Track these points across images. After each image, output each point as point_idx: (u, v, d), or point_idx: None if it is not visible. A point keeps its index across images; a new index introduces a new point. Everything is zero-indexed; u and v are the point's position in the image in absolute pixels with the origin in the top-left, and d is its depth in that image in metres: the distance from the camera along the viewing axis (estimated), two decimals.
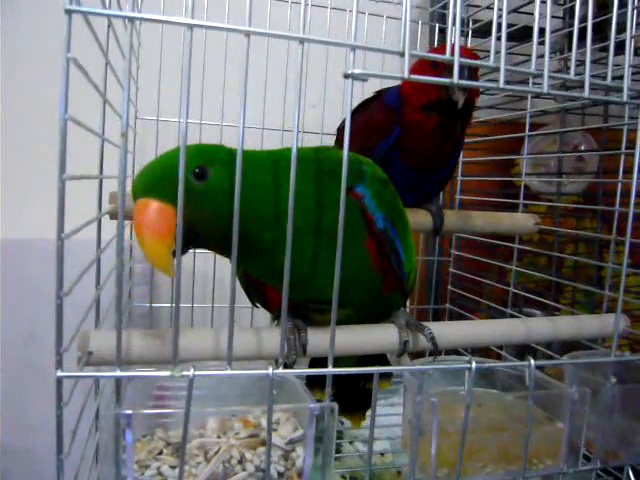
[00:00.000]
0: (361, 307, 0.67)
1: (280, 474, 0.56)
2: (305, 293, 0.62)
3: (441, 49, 0.79)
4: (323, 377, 0.56)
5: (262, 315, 0.83)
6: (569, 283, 1.20)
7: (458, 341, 0.69)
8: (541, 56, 0.55)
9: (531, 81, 0.79)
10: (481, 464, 0.68)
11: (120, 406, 0.55)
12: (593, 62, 0.61)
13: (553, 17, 1.26)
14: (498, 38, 0.54)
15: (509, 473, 0.68)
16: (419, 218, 0.98)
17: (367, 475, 0.60)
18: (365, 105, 0.97)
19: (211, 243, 0.58)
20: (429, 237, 1.44)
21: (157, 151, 1.14)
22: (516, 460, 0.68)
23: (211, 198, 0.54)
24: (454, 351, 1.03)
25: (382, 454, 1.13)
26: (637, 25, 0.69)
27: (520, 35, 1.07)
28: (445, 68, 0.64)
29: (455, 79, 0.50)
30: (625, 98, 0.58)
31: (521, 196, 1.17)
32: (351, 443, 1.16)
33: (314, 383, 0.77)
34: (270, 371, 0.50)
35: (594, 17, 0.58)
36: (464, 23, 1.26)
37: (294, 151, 0.48)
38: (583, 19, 0.61)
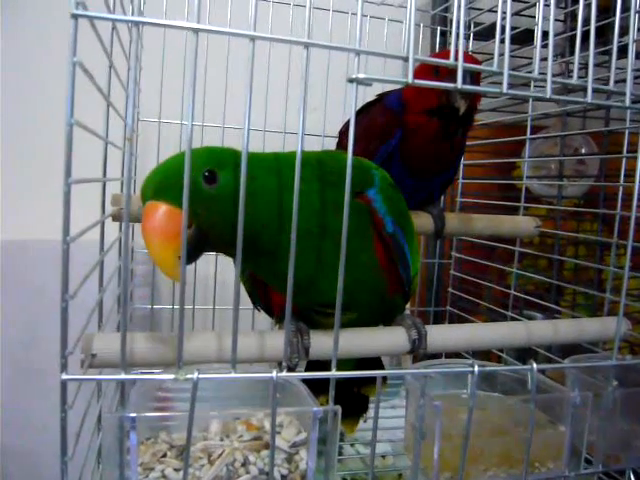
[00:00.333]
0: (366, 310, 0.67)
1: (284, 477, 0.56)
2: (310, 296, 0.63)
3: (443, 54, 0.79)
4: (319, 381, 0.55)
5: (263, 318, 0.83)
6: (570, 286, 1.20)
7: (460, 344, 0.69)
8: (543, 59, 0.55)
9: (532, 85, 0.79)
10: (483, 467, 0.68)
11: (124, 409, 0.55)
12: (595, 66, 0.61)
13: (559, 20, 1.26)
14: (501, 41, 0.54)
15: (511, 477, 0.68)
16: (421, 221, 0.98)
17: (370, 476, 0.60)
18: (366, 108, 0.97)
19: (220, 246, 0.58)
20: (430, 240, 1.44)
21: (159, 153, 1.15)
22: (518, 464, 0.68)
23: (221, 201, 0.54)
24: (454, 354, 1.03)
25: (383, 456, 1.13)
26: (639, 29, 0.69)
27: (521, 38, 1.07)
28: (449, 73, 0.64)
29: (459, 84, 0.50)
30: (627, 103, 0.58)
31: (522, 199, 1.17)
32: (352, 445, 1.16)
33: (310, 387, 0.77)
34: (274, 374, 0.50)
35: (596, 21, 0.58)
36: (466, 26, 1.27)
37: (298, 154, 0.48)
38: (585, 22, 0.61)
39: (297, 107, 0.48)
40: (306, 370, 0.80)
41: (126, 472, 0.51)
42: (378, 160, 0.90)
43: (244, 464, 0.55)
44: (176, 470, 0.55)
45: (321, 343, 0.62)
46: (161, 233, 0.52)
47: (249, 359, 0.60)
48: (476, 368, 0.57)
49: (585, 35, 0.58)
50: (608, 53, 1.02)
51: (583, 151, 1.43)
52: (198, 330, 1.25)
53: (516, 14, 1.14)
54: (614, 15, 0.61)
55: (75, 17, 0.43)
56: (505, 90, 0.52)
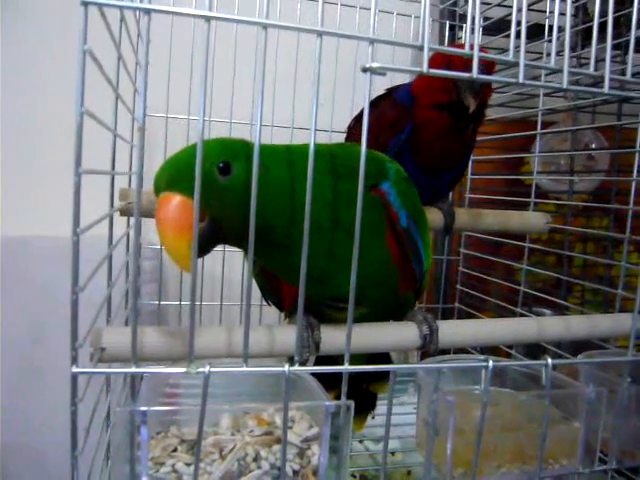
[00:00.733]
0: (378, 305, 0.67)
1: (295, 472, 0.55)
2: (323, 290, 0.62)
3: (456, 46, 0.78)
4: (327, 377, 0.55)
5: (272, 312, 0.83)
6: (581, 282, 1.19)
7: (470, 340, 0.69)
8: (558, 52, 0.54)
9: (543, 76, 0.78)
10: (496, 464, 0.67)
11: (134, 403, 0.54)
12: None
13: (564, 14, 1.25)
14: (517, 33, 0.53)
15: (525, 473, 0.67)
16: (430, 216, 0.97)
17: (383, 473, 0.59)
18: (376, 103, 0.96)
19: (233, 238, 0.58)
20: (438, 235, 1.43)
21: (166, 148, 1.14)
22: (531, 460, 0.67)
23: (235, 193, 0.54)
24: (462, 350, 1.02)
25: (392, 453, 1.12)
26: None
27: (532, 32, 1.07)
28: (463, 66, 0.63)
29: (474, 74, 0.49)
30: None
31: (532, 194, 1.16)
32: (361, 442, 1.16)
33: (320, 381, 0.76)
34: (286, 368, 0.49)
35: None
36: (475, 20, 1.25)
37: (312, 147, 0.48)
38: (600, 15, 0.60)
39: (304, 103, 0.48)
40: (314, 366, 0.80)
41: (137, 467, 0.51)
42: (388, 154, 0.89)
43: (255, 459, 0.55)
44: (187, 464, 0.54)
45: (332, 338, 0.61)
46: (175, 224, 0.51)
47: (259, 354, 0.59)
48: (490, 363, 0.56)
49: (599, 28, 0.58)
50: (619, 46, 1.02)
51: (593, 146, 1.42)
52: (207, 325, 1.25)
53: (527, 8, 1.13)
54: (630, 6, 0.60)
55: (85, 4, 0.43)
56: (521, 80, 0.51)
